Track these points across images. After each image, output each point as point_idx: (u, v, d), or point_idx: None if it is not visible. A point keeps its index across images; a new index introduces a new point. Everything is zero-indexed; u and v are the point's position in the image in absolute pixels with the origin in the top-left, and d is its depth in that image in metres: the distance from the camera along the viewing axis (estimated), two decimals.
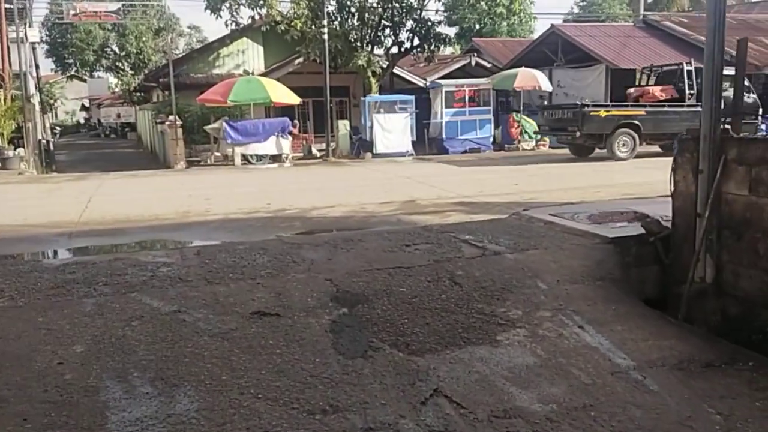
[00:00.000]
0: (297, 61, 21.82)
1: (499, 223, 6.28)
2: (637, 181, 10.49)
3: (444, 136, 19.56)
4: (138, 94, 34.94)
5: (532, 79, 19.54)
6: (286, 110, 21.27)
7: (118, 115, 45.88)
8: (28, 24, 17.70)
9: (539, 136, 20.09)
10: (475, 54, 25.75)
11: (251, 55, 24.20)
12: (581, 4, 47.78)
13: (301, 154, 19.79)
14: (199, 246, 5.81)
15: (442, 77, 23.21)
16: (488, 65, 25.54)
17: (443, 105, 19.49)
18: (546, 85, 19.80)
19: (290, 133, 18.07)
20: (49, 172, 17.41)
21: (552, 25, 24.03)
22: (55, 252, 6.81)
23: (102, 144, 37.54)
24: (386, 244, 5.50)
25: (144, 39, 37.90)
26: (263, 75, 21.10)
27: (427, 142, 20.20)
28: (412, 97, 19.51)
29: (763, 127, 21.68)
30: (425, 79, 23.98)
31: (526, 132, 19.96)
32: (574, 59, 22.60)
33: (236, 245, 5.67)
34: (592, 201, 8.02)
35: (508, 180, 11.58)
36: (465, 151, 19.44)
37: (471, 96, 19.79)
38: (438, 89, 19.62)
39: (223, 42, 23.38)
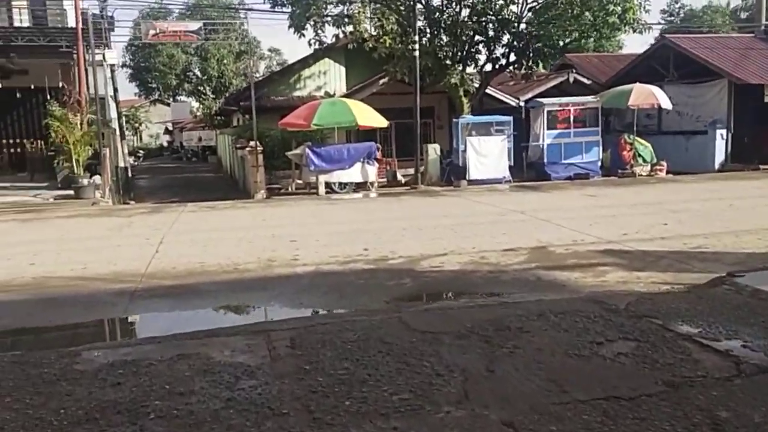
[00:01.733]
0: (381, 81, 20.47)
1: (713, 300, 4.40)
2: None
3: (546, 160, 17.58)
4: (219, 117, 34.64)
5: (649, 95, 17.32)
6: (368, 134, 19.90)
7: (200, 139, 46.13)
8: (107, 46, 17.02)
9: (655, 160, 17.82)
10: (573, 70, 23.62)
11: (333, 76, 23.11)
12: (676, 17, 44.70)
13: (385, 181, 18.27)
14: (292, 329, 4.21)
15: (537, 96, 21.27)
16: (588, 82, 23.37)
17: (545, 126, 17.54)
18: (666, 103, 17.52)
19: (376, 158, 16.60)
20: (125, 201, 16.58)
21: (664, 36, 21.73)
22: (104, 330, 5.40)
23: (183, 168, 37.43)
24: (564, 338, 3.74)
25: (225, 62, 37.72)
26: (345, 96, 19.84)
27: (526, 167, 18.26)
28: (510, 118, 17.67)
29: None
30: (518, 98, 22.11)
31: (640, 155, 17.72)
32: (687, 74, 20.20)
33: (344, 329, 4.06)
34: None
35: (650, 217, 9.55)
36: (570, 177, 17.39)
37: (576, 116, 17.76)
38: (539, 109, 17.70)
39: (305, 63, 22.36)
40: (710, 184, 14.16)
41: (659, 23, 39.49)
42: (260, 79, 26.78)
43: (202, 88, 40.98)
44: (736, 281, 4.65)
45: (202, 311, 5.62)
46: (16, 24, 19.69)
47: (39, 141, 18.66)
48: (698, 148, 19.37)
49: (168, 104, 48.98)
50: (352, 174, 16.13)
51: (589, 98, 18.27)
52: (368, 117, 16.07)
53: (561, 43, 19.67)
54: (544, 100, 17.76)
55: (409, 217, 10.60)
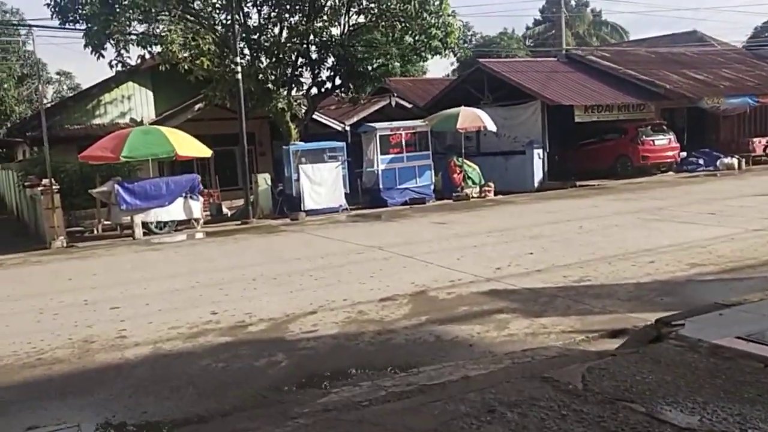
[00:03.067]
0: (197, 106, 18.67)
1: (675, 365, 3.70)
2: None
3: (381, 185, 17.01)
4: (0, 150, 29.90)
5: (475, 119, 17.51)
6: (183, 164, 17.95)
7: None
8: None
9: (483, 182, 18.07)
10: (394, 94, 23.60)
11: (139, 101, 20.71)
12: (469, 44, 47.40)
13: (209, 216, 16.49)
14: None
15: (361, 120, 20.83)
16: (409, 106, 23.49)
17: (378, 151, 16.99)
18: (491, 125, 17.85)
19: (199, 192, 14.83)
20: None
21: (478, 61, 22.49)
22: None
23: None
24: None
25: (5, 87, 32.73)
26: (156, 123, 17.71)
27: (361, 194, 17.56)
28: (343, 144, 16.88)
29: (701, 161, 21.10)
30: (343, 123, 21.51)
31: (469, 177, 17.86)
32: (502, 96, 21.01)
33: None
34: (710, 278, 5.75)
35: (512, 246, 9.13)
36: (406, 202, 16.98)
37: (407, 140, 17.45)
38: (371, 133, 17.11)
39: (105, 87, 19.73)
40: (544, 204, 14.45)
41: (473, 47, 41.50)
42: (51, 105, 23.34)
43: None
44: (681, 333, 4.06)
45: None
46: None
47: None
48: (517, 167, 20.08)
49: None
50: (173, 211, 14.17)
51: (418, 122, 18.09)
52: (188, 146, 14.25)
53: (382, 68, 19.31)
54: (376, 125, 17.22)
55: (254, 263, 9.17)
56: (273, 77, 17.13)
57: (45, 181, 13.58)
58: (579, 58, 23.37)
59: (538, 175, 19.72)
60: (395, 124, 17.63)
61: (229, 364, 4.89)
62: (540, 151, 19.72)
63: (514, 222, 11.86)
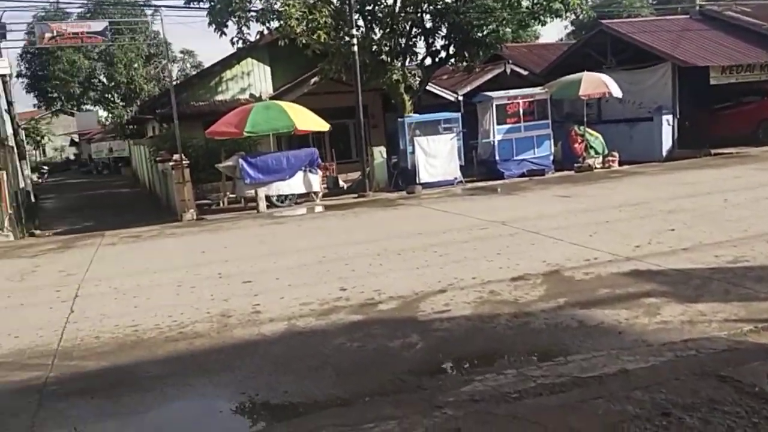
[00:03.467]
0: (313, 80, 18.87)
1: None
2: None
3: (497, 157, 16.50)
4: (131, 126, 31.84)
5: (600, 84, 16.51)
6: (300, 139, 18.33)
7: (111, 150, 42.81)
8: None
9: (607, 151, 17.10)
10: (509, 61, 22.73)
11: (257, 77, 21.26)
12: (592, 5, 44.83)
13: (326, 189, 16.69)
14: None
15: (474, 90, 20.26)
16: (524, 73, 22.58)
17: (494, 121, 16.45)
18: (616, 91, 16.78)
19: (318, 166, 15.03)
20: (30, 231, 14.27)
21: (600, 22, 21.11)
22: None
23: (94, 182, 34.39)
24: None
25: (135, 66, 34.72)
26: (273, 98, 18.11)
27: (476, 165, 17.14)
28: (458, 115, 16.49)
29: None
30: (455, 93, 21.04)
31: (591, 147, 16.95)
32: (626, 60, 19.69)
33: None
34: None
35: (649, 222, 8.49)
36: (523, 174, 16.41)
37: (525, 109, 16.77)
38: (487, 103, 16.58)
39: (226, 64, 20.41)
40: (677, 175, 13.42)
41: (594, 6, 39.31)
42: (177, 83, 24.46)
43: (109, 96, 37.78)
44: None
45: (148, 430, 3.96)
46: None
47: None
48: (643, 135, 18.82)
49: (72, 114, 45.11)
50: (294, 185, 14.49)
51: (537, 89, 17.31)
52: (307, 120, 14.46)
53: (493, 34, 18.56)
54: (493, 94, 16.66)
55: (377, 237, 9.13)
56: (387, 48, 16.97)
57: (176, 157, 14.25)
58: (715, 15, 21.38)
59: (667, 143, 18.43)
60: (512, 92, 16.96)
61: (364, 344, 4.81)
62: (669, 117, 18.38)
63: (647, 195, 11.06)
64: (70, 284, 7.46)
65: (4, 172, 13.83)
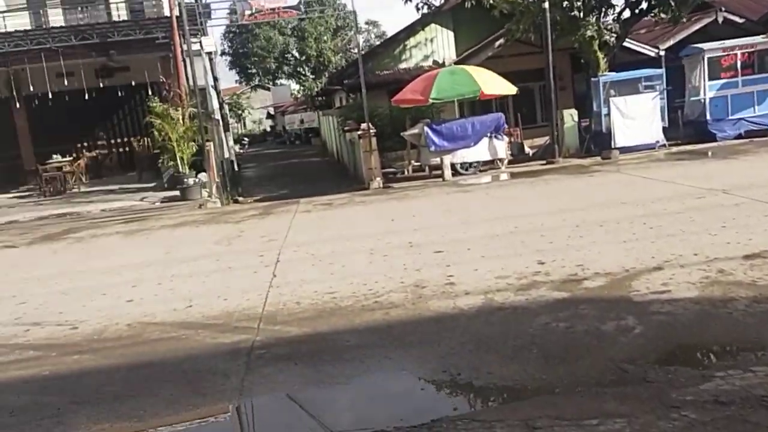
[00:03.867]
0: (497, 43, 18.16)
1: None
2: None
3: (708, 117, 14.71)
4: (320, 98, 33.40)
5: None
6: (483, 104, 17.76)
7: (302, 121, 45.36)
8: (203, 33, 15.79)
9: None
10: (722, 8, 20.09)
11: (440, 42, 20.96)
12: None
13: (511, 156, 16.03)
14: None
15: (678, 43, 18.16)
16: (740, 21, 19.82)
17: (706, 76, 14.64)
18: None
19: (504, 131, 14.46)
20: (234, 198, 15.44)
21: None
22: None
23: (287, 152, 36.66)
24: None
25: (324, 39, 36.28)
26: (457, 63, 17.73)
27: (682, 127, 15.44)
28: (662, 71, 14.92)
29: None
30: (656, 48, 19.05)
31: None
32: None
33: None
34: None
35: None
36: (740, 135, 14.48)
37: (743, 61, 14.71)
38: (697, 56, 14.78)
39: (411, 31, 20.35)
40: None
41: None
42: (363, 53, 25.02)
43: (301, 70, 39.97)
44: None
45: (351, 400, 3.90)
46: (114, 19, 19.05)
47: (145, 139, 17.94)
48: None
49: (268, 89, 48.49)
50: (479, 152, 14.08)
51: (759, 38, 15.09)
52: (494, 85, 13.90)
53: None
54: (704, 46, 14.80)
55: (572, 207, 8.48)
56: (579, 3, 15.75)
57: (363, 126, 14.49)
58: None
59: None
60: (728, 43, 14.93)
61: (572, 325, 4.36)
62: None
63: None
64: (272, 249, 7.81)
65: (211, 144, 15.02)
